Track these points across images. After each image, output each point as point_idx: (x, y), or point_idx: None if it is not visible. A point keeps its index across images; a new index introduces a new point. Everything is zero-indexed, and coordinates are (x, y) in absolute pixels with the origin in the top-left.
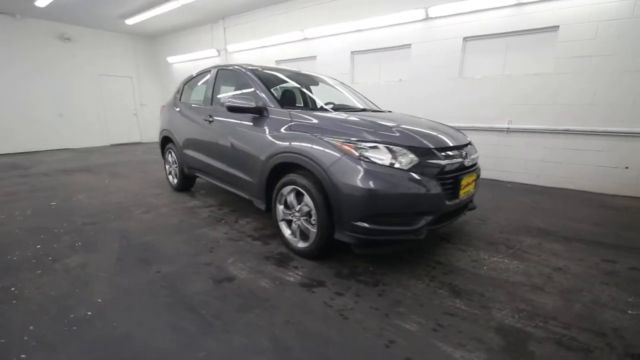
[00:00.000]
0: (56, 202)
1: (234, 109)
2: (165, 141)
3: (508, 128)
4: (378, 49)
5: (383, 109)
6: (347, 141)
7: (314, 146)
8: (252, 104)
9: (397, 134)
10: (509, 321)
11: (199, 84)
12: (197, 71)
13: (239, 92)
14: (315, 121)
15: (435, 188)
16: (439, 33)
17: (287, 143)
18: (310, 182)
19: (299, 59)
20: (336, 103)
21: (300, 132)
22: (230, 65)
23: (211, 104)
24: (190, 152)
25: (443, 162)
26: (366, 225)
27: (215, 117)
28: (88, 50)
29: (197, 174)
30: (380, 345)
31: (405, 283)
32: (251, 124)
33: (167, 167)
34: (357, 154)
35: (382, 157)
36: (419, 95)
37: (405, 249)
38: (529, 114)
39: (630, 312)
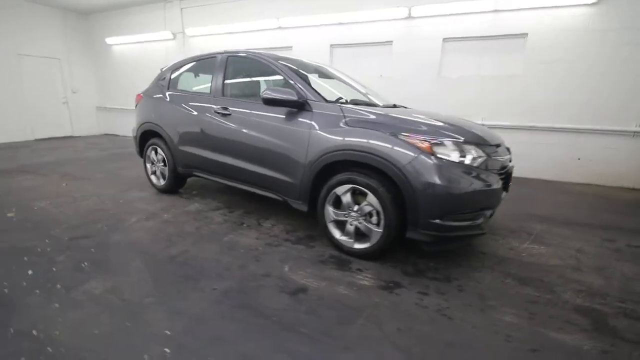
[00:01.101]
0: (13, 213)
1: (271, 102)
2: (147, 136)
3: (482, 124)
4: (359, 43)
5: (398, 104)
6: (423, 139)
7: (385, 144)
8: (294, 97)
9: (462, 131)
10: (578, 302)
11: (196, 71)
12: (189, 57)
13: (257, 81)
14: (372, 117)
15: (497, 183)
16: (420, 32)
17: (349, 139)
18: (376, 181)
19: (273, 48)
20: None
21: (362, 129)
22: (246, 52)
23: (222, 95)
24: (189, 149)
25: (502, 158)
26: (441, 222)
27: (233, 110)
28: (2, 23)
29: (197, 174)
30: (500, 340)
31: (473, 275)
32: (285, 118)
33: (148, 166)
34: (432, 151)
35: (454, 154)
36: (400, 91)
37: (464, 243)
38: (500, 111)
39: None
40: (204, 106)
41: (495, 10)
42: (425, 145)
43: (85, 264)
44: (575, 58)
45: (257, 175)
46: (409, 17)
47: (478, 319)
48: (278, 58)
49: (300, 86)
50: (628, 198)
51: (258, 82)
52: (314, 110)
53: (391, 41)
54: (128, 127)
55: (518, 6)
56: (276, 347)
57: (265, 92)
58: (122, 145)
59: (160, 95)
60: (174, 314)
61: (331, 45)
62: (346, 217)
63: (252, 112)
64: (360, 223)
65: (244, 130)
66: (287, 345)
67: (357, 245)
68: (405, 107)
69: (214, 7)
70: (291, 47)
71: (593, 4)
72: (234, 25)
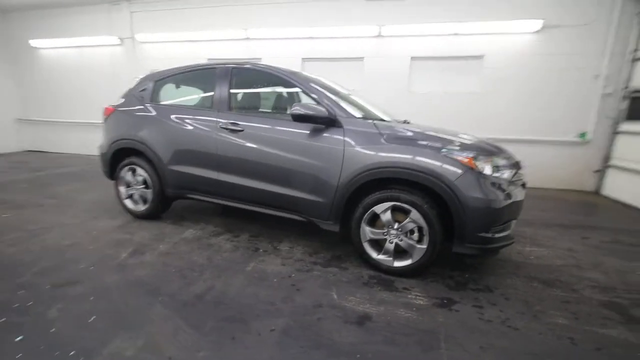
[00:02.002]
0: None
1: (301, 118)
2: (120, 155)
3: None
4: (331, 58)
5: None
6: (466, 155)
7: (433, 161)
8: (325, 114)
9: (492, 147)
10: (599, 297)
11: (187, 83)
12: (177, 67)
13: (275, 95)
14: (409, 134)
15: (522, 195)
16: (390, 50)
17: (396, 156)
18: (420, 198)
19: (240, 59)
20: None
21: (404, 146)
22: (254, 64)
23: (229, 109)
24: (184, 169)
25: (522, 172)
26: (487, 235)
27: (246, 126)
28: None
29: (192, 196)
30: (568, 344)
31: (506, 283)
32: (310, 134)
33: (122, 189)
34: (476, 167)
35: (492, 169)
36: None
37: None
38: (462, 125)
39: (638, 273)
40: (205, 121)
41: (456, 34)
42: (469, 161)
43: (93, 318)
44: (524, 78)
45: (276, 196)
46: (379, 35)
47: (538, 326)
48: (291, 71)
49: (327, 102)
50: (578, 199)
51: (276, 96)
52: (345, 127)
53: (362, 57)
54: (61, 142)
55: (475, 31)
56: None
57: (295, 108)
58: (59, 164)
59: (141, 108)
60: None
61: (303, 58)
62: (385, 235)
63: (272, 127)
64: (401, 240)
65: (261, 148)
66: None
67: (397, 263)
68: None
69: (170, 13)
70: (260, 58)
71: (536, 32)
72: (196, 34)
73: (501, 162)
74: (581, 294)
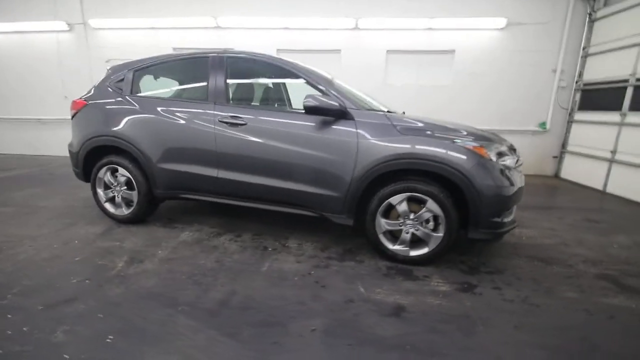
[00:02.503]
0: None
1: (314, 111)
2: (96, 154)
3: None
4: (307, 50)
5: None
6: (479, 145)
7: (449, 151)
8: (336, 105)
9: (497, 138)
10: (592, 270)
11: (171, 73)
12: (159, 55)
13: (277, 87)
14: (420, 124)
15: (522, 181)
16: (367, 43)
17: (410, 147)
18: (436, 187)
19: (210, 49)
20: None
21: (418, 136)
22: (251, 53)
23: (227, 101)
24: (177, 167)
25: (521, 160)
26: (499, 220)
27: (249, 119)
28: None
29: (186, 196)
30: (586, 315)
31: (512, 263)
32: (317, 127)
33: (100, 191)
34: (488, 156)
35: (502, 157)
36: None
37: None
38: (433, 116)
39: (615, 246)
40: (200, 114)
41: (430, 29)
42: (481, 150)
43: (110, 337)
44: (491, 72)
45: (285, 192)
46: (356, 28)
47: (554, 301)
48: (291, 62)
49: (335, 93)
50: (542, 183)
51: (277, 87)
52: (357, 119)
53: (339, 50)
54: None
55: (447, 26)
56: None
57: (308, 99)
58: (2, 167)
59: (120, 100)
60: None
61: (278, 50)
62: (401, 226)
63: (277, 120)
64: (417, 230)
65: (267, 142)
66: None
67: (413, 253)
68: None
69: None
70: (232, 49)
71: (502, 29)
72: (159, 20)
73: (504, 149)
74: (576, 269)
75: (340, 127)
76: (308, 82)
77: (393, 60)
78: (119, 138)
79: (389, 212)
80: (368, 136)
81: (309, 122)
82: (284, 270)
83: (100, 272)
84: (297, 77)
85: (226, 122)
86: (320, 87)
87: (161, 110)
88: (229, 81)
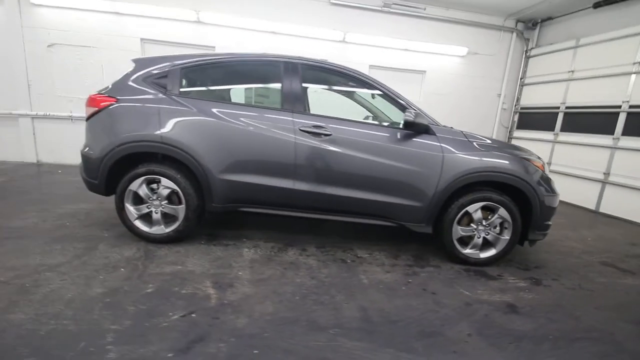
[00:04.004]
0: None
1: (410, 125)
2: (127, 162)
3: None
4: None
5: None
6: (538, 161)
7: (520, 165)
8: (426, 121)
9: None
10: (594, 259)
11: (232, 75)
12: (210, 53)
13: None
14: (489, 141)
15: None
16: (352, 56)
17: (493, 161)
18: (507, 197)
19: (187, 45)
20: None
21: (495, 152)
22: (325, 62)
23: (305, 110)
24: (244, 178)
25: None
26: (549, 222)
27: (335, 129)
28: None
29: (248, 208)
30: (624, 293)
31: (543, 259)
32: (401, 141)
33: (131, 207)
34: (544, 169)
35: (547, 171)
36: None
37: None
38: None
39: (589, 239)
40: (277, 122)
41: (406, 50)
42: (542, 166)
43: None
44: (454, 93)
45: (367, 203)
46: (343, 41)
47: (597, 286)
48: (365, 74)
49: (418, 110)
50: None
51: (358, 98)
52: (438, 135)
53: (326, 60)
54: None
55: (420, 49)
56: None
57: (409, 115)
58: None
59: (166, 99)
60: None
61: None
62: (474, 231)
63: (363, 132)
64: (488, 235)
65: (353, 154)
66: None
67: (483, 255)
68: None
69: None
70: (214, 47)
71: (463, 56)
72: (126, 5)
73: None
74: (584, 259)
75: (426, 142)
76: (388, 96)
77: (376, 75)
78: (170, 145)
79: (461, 219)
80: (454, 150)
81: (395, 136)
82: (384, 281)
83: (198, 303)
84: (376, 89)
85: (308, 132)
86: (401, 101)
87: (223, 114)
88: (307, 90)
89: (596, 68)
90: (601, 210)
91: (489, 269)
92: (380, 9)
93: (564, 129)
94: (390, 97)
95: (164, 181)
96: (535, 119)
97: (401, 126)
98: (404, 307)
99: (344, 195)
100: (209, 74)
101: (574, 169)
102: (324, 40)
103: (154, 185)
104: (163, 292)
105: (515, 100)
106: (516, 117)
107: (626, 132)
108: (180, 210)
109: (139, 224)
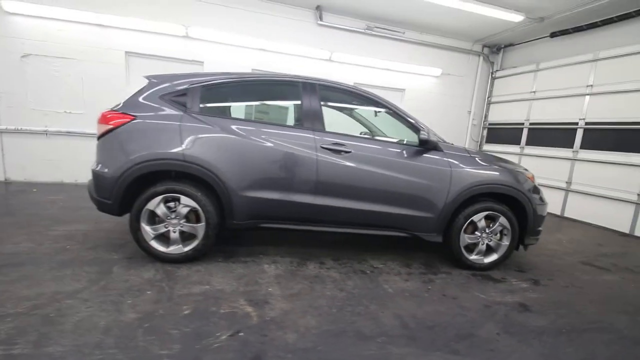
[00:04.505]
0: None
1: (424, 143)
2: (144, 180)
3: None
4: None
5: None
6: (530, 174)
7: (516, 177)
8: (436, 138)
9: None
10: (574, 259)
11: (251, 94)
12: (228, 72)
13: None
14: (489, 156)
15: None
16: (338, 74)
17: (491, 174)
18: (506, 206)
19: (175, 59)
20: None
21: (494, 166)
22: (340, 83)
23: (324, 128)
24: (266, 195)
25: None
26: (540, 228)
27: (354, 146)
28: None
29: (268, 225)
30: (616, 287)
31: (533, 262)
32: (411, 157)
33: (147, 227)
34: (534, 180)
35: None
36: None
37: None
38: None
39: (564, 242)
40: (298, 139)
41: (387, 69)
42: (532, 178)
43: None
44: (430, 109)
45: (384, 216)
46: (330, 60)
47: (584, 284)
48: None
49: (426, 127)
50: None
51: (389, 120)
52: (445, 151)
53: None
54: None
55: (399, 69)
56: None
57: (424, 133)
58: None
59: (186, 117)
60: None
61: (252, 69)
62: (478, 239)
63: (378, 148)
64: (491, 241)
65: (370, 169)
66: None
67: (487, 260)
68: None
69: None
70: (202, 62)
71: (437, 76)
72: (110, 18)
73: None
74: (566, 260)
75: (435, 157)
76: (397, 114)
77: None
78: (192, 162)
79: (467, 228)
80: (460, 165)
81: (406, 152)
82: (407, 289)
83: (240, 322)
84: (387, 109)
85: (329, 149)
86: (411, 120)
87: (245, 132)
88: (325, 108)
89: (555, 89)
90: (566, 215)
91: (492, 273)
92: (363, 31)
93: (529, 142)
94: (400, 116)
95: (184, 200)
96: (502, 134)
97: (417, 144)
98: (434, 312)
99: (363, 209)
100: (229, 92)
101: (541, 179)
102: (311, 59)
103: (171, 204)
104: (201, 313)
105: (483, 117)
106: (485, 132)
107: (583, 145)
108: (200, 228)
109: (154, 244)
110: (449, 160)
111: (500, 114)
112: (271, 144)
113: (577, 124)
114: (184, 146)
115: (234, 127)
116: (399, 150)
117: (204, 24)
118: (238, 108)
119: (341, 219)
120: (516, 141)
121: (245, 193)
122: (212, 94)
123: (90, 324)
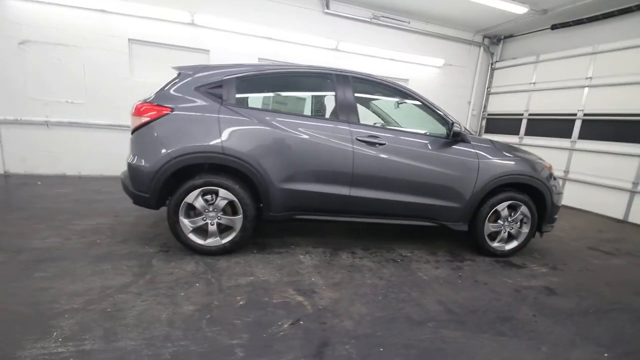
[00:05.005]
0: None
1: (455, 135)
2: (182, 173)
3: None
4: (290, 64)
5: None
6: (548, 164)
7: (538, 169)
8: (464, 130)
9: None
10: (581, 244)
11: (284, 86)
12: (261, 64)
13: (407, 110)
14: (505, 148)
15: None
16: (344, 64)
17: (517, 165)
18: (526, 195)
19: (180, 47)
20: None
21: (516, 157)
22: (371, 75)
23: (358, 121)
24: (303, 187)
25: None
26: (556, 216)
27: (388, 138)
28: None
29: (303, 216)
30: (623, 269)
31: (545, 247)
32: (440, 148)
33: (186, 221)
34: (551, 170)
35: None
36: None
37: None
38: None
39: (567, 228)
40: (334, 131)
41: (392, 59)
42: (550, 167)
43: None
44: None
45: (415, 206)
46: (336, 49)
47: (596, 267)
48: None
49: (455, 121)
50: None
51: (408, 111)
52: (472, 143)
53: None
54: None
55: (403, 59)
56: None
57: (456, 126)
58: None
59: (224, 109)
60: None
61: (259, 58)
62: (500, 227)
63: (411, 140)
64: (512, 229)
65: (404, 161)
66: None
67: (507, 247)
68: None
69: None
70: (208, 50)
71: (440, 67)
72: (113, 3)
73: None
74: (574, 245)
75: (464, 149)
76: (427, 106)
77: None
78: (232, 155)
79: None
80: (487, 156)
81: (437, 144)
82: (439, 276)
83: (296, 310)
84: (417, 100)
85: (365, 142)
86: (440, 112)
87: (283, 124)
88: (358, 101)
89: (555, 81)
90: (563, 203)
91: (513, 259)
92: (369, 20)
93: (528, 133)
94: (430, 108)
95: (222, 192)
96: (501, 124)
97: (449, 136)
98: (471, 298)
99: (395, 200)
100: (263, 84)
101: None
102: (318, 48)
103: (207, 197)
104: (256, 303)
105: (482, 107)
106: (484, 122)
107: (581, 136)
108: (238, 221)
109: (192, 236)
110: (476, 151)
111: (500, 105)
112: (308, 137)
113: (575, 115)
114: (222, 138)
115: (270, 119)
116: (430, 142)
117: (210, 11)
118: (273, 100)
119: (374, 209)
120: (515, 131)
121: (282, 185)
122: (247, 86)
123: (152, 317)
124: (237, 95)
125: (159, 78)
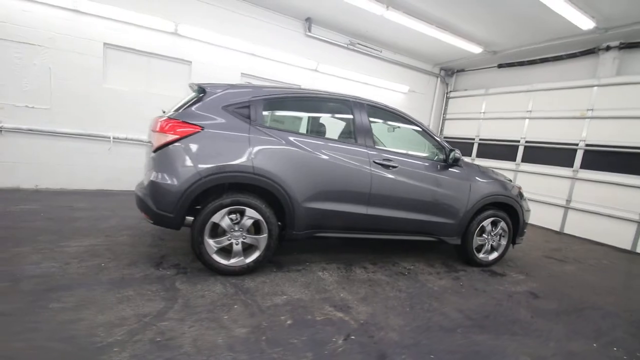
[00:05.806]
0: None
1: (455, 160)
2: (209, 192)
3: None
4: (271, 80)
5: None
6: (518, 185)
7: (511, 189)
8: (460, 155)
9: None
10: (537, 254)
11: (305, 109)
12: (284, 88)
13: (411, 136)
14: (487, 171)
15: None
16: (322, 84)
17: (497, 187)
18: (505, 212)
19: (160, 56)
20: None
21: (496, 180)
22: (383, 104)
23: (374, 145)
24: (326, 206)
25: None
26: (525, 230)
27: (400, 162)
28: None
29: (324, 234)
30: (575, 273)
31: (511, 256)
32: (440, 171)
33: (211, 241)
34: (520, 190)
35: None
36: None
37: None
38: None
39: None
40: (354, 154)
41: (366, 83)
42: (520, 188)
43: None
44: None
45: (419, 223)
46: (316, 70)
47: (559, 274)
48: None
49: (449, 146)
50: None
51: (411, 136)
52: (463, 166)
53: (300, 85)
54: None
55: (375, 84)
56: None
57: (457, 152)
58: None
59: (253, 130)
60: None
61: (242, 73)
62: (485, 240)
63: (417, 163)
64: (494, 242)
65: (412, 182)
66: None
67: (490, 257)
68: None
69: None
70: (190, 62)
71: (405, 93)
72: (89, 4)
73: None
74: (534, 255)
75: (458, 171)
76: (426, 133)
77: None
78: (261, 175)
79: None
80: (476, 178)
81: (436, 167)
82: (445, 286)
83: (343, 326)
84: (420, 128)
85: (381, 164)
86: (437, 138)
87: (307, 146)
88: (372, 126)
89: (501, 112)
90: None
91: (495, 268)
92: (346, 45)
93: (479, 155)
94: (430, 135)
95: (249, 212)
96: (456, 147)
97: (448, 160)
98: (480, 304)
99: (404, 217)
100: (288, 107)
101: None
102: (299, 68)
103: (232, 216)
104: (302, 322)
105: (439, 131)
106: None
107: (524, 159)
108: (262, 240)
109: (216, 257)
110: (468, 174)
111: (454, 129)
112: (330, 158)
113: (519, 141)
114: (253, 158)
115: (296, 140)
116: (432, 165)
117: (195, 23)
118: (297, 122)
119: (386, 226)
120: (468, 153)
121: (307, 204)
122: (273, 108)
123: (209, 343)
124: (265, 116)
125: (134, 86)
